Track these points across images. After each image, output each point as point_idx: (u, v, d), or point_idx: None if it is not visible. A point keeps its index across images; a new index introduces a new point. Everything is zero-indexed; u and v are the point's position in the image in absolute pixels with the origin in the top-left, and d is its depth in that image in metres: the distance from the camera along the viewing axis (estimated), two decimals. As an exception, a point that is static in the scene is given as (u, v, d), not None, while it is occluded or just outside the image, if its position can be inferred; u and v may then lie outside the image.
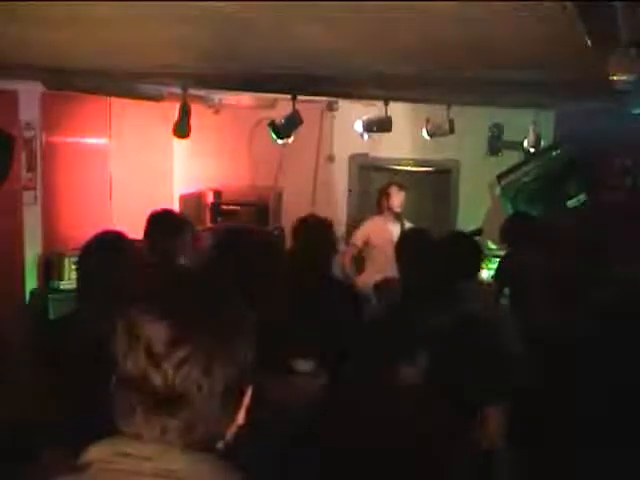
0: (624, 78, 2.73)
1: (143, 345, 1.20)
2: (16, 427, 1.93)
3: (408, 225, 6.56)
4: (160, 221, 4.01)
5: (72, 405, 2.38)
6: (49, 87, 5.69)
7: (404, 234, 4.57)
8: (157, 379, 1.19)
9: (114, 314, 1.27)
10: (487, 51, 3.13)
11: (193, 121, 6.06)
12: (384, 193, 6.71)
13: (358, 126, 7.10)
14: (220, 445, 1.26)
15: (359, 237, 6.66)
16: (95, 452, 1.23)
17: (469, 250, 3.97)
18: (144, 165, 7.32)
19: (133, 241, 3.14)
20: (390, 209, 6.63)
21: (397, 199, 6.65)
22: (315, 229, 4.10)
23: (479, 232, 6.64)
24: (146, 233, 3.98)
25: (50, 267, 5.90)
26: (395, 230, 6.32)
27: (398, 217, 6.58)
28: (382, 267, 5.74)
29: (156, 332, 1.20)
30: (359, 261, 6.77)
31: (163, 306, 1.23)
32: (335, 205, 8.01)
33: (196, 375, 1.20)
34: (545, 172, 7.20)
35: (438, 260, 3.75)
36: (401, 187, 6.73)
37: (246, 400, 1.28)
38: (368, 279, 5.82)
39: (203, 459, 1.21)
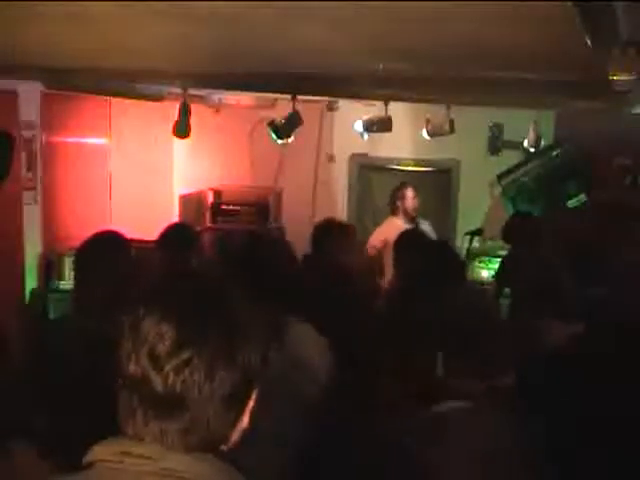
0: (624, 78, 2.73)
1: (146, 347, 1.20)
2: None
3: (422, 223, 6.53)
4: (174, 235, 4.09)
5: (68, 405, 2.38)
6: (49, 87, 5.69)
7: (400, 236, 4.56)
8: (157, 381, 1.19)
9: (112, 314, 1.28)
10: (487, 51, 3.13)
11: (193, 121, 6.06)
12: (399, 195, 6.59)
13: (358, 126, 7.09)
14: (224, 447, 1.26)
15: (377, 239, 6.48)
16: (98, 452, 1.23)
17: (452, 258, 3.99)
18: (144, 165, 7.31)
19: (131, 240, 3.14)
20: (406, 212, 6.52)
21: (412, 202, 6.54)
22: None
23: (479, 232, 6.65)
24: (160, 245, 4.03)
25: (50, 267, 5.90)
26: None
27: (413, 219, 6.50)
28: None
29: (159, 334, 1.20)
30: (379, 263, 6.65)
31: (167, 308, 1.23)
32: (335, 205, 8.01)
33: (197, 378, 1.20)
34: (545, 172, 7.20)
35: (429, 263, 3.77)
36: (413, 189, 6.63)
37: (251, 403, 1.28)
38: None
39: (205, 459, 1.21)
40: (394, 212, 6.63)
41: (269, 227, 7.44)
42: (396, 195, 6.63)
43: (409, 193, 6.57)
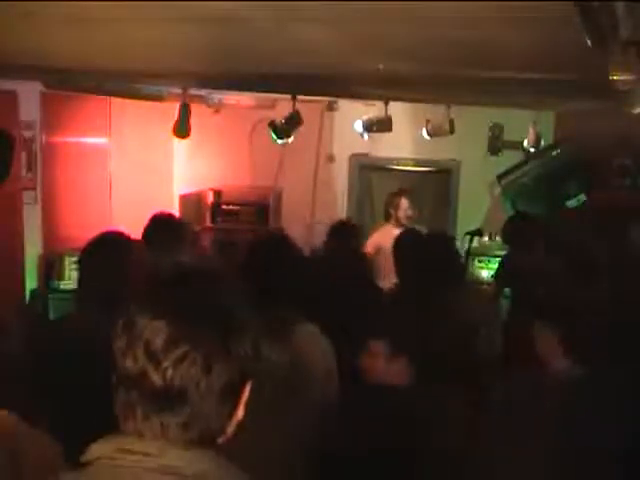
0: (624, 78, 2.73)
1: (142, 343, 1.21)
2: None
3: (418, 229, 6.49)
4: (160, 223, 4.09)
5: (68, 405, 2.39)
6: (49, 87, 5.69)
7: (399, 236, 4.57)
8: (156, 377, 1.20)
9: (114, 313, 1.28)
10: (487, 51, 3.13)
11: (193, 121, 6.06)
12: (393, 204, 6.56)
13: (358, 126, 7.10)
14: (220, 440, 1.27)
15: (371, 245, 6.42)
16: (97, 449, 1.24)
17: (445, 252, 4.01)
18: (144, 165, 7.31)
19: (134, 241, 3.14)
20: (398, 221, 6.47)
21: (405, 213, 6.50)
22: None
23: (479, 232, 6.64)
24: (147, 235, 4.03)
25: (50, 267, 5.90)
26: None
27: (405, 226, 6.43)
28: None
29: (155, 330, 1.21)
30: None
31: (162, 304, 1.24)
32: (335, 205, 8.01)
33: (195, 372, 1.21)
34: (545, 172, 7.20)
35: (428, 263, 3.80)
36: (410, 198, 6.59)
37: (245, 395, 1.29)
38: (384, 286, 5.67)
39: (204, 455, 1.22)
40: (387, 219, 6.59)
41: (269, 227, 7.45)
42: (391, 203, 6.59)
43: (403, 203, 6.52)
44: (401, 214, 6.50)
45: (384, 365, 2.55)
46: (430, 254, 3.96)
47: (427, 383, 2.54)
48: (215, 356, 1.22)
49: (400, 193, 6.64)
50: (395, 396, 2.45)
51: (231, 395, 1.26)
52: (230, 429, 1.29)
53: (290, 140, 6.26)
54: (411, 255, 4.15)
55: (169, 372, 1.20)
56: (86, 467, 1.24)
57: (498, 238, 7.13)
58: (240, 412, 1.29)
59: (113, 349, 1.25)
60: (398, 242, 4.43)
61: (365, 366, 2.59)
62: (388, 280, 5.85)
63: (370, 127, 6.92)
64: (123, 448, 1.22)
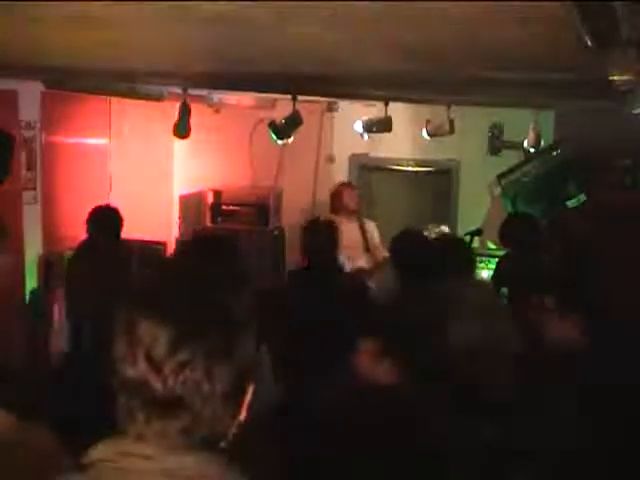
0: (624, 78, 2.72)
1: (143, 349, 1.20)
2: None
3: (368, 223, 6.62)
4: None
5: (68, 406, 2.39)
6: (49, 87, 5.69)
7: (398, 235, 4.58)
8: (157, 383, 1.19)
9: (110, 315, 1.27)
10: (487, 51, 3.13)
11: (193, 121, 6.06)
12: (336, 194, 6.74)
13: (358, 126, 7.10)
14: (223, 444, 1.26)
15: None
16: (98, 451, 1.23)
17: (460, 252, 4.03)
18: (144, 165, 7.31)
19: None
20: (345, 208, 6.61)
21: (349, 197, 6.66)
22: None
23: (479, 232, 6.64)
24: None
25: (50, 267, 5.90)
26: (353, 228, 6.34)
27: (354, 215, 6.59)
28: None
29: (156, 335, 1.20)
30: None
31: (163, 309, 1.23)
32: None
33: (196, 378, 1.20)
34: (545, 172, 7.19)
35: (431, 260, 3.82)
36: (352, 185, 6.89)
37: (248, 397, 1.28)
38: None
39: (206, 458, 1.22)
40: (335, 211, 6.65)
41: (269, 227, 7.46)
42: (334, 196, 6.76)
43: (345, 189, 6.75)
44: (346, 200, 6.62)
45: (373, 364, 2.55)
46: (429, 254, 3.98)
47: (418, 383, 2.54)
48: (217, 361, 1.21)
49: (343, 185, 6.91)
50: (384, 395, 2.45)
51: (233, 398, 1.25)
52: (232, 432, 1.28)
53: (290, 140, 6.27)
54: (409, 256, 4.17)
55: (170, 378, 1.19)
56: (87, 469, 1.23)
57: (490, 244, 7.19)
58: (242, 415, 1.29)
59: (112, 353, 1.24)
60: (396, 243, 4.44)
61: (356, 364, 2.60)
62: None
63: (370, 127, 6.93)
64: (124, 451, 1.21)
